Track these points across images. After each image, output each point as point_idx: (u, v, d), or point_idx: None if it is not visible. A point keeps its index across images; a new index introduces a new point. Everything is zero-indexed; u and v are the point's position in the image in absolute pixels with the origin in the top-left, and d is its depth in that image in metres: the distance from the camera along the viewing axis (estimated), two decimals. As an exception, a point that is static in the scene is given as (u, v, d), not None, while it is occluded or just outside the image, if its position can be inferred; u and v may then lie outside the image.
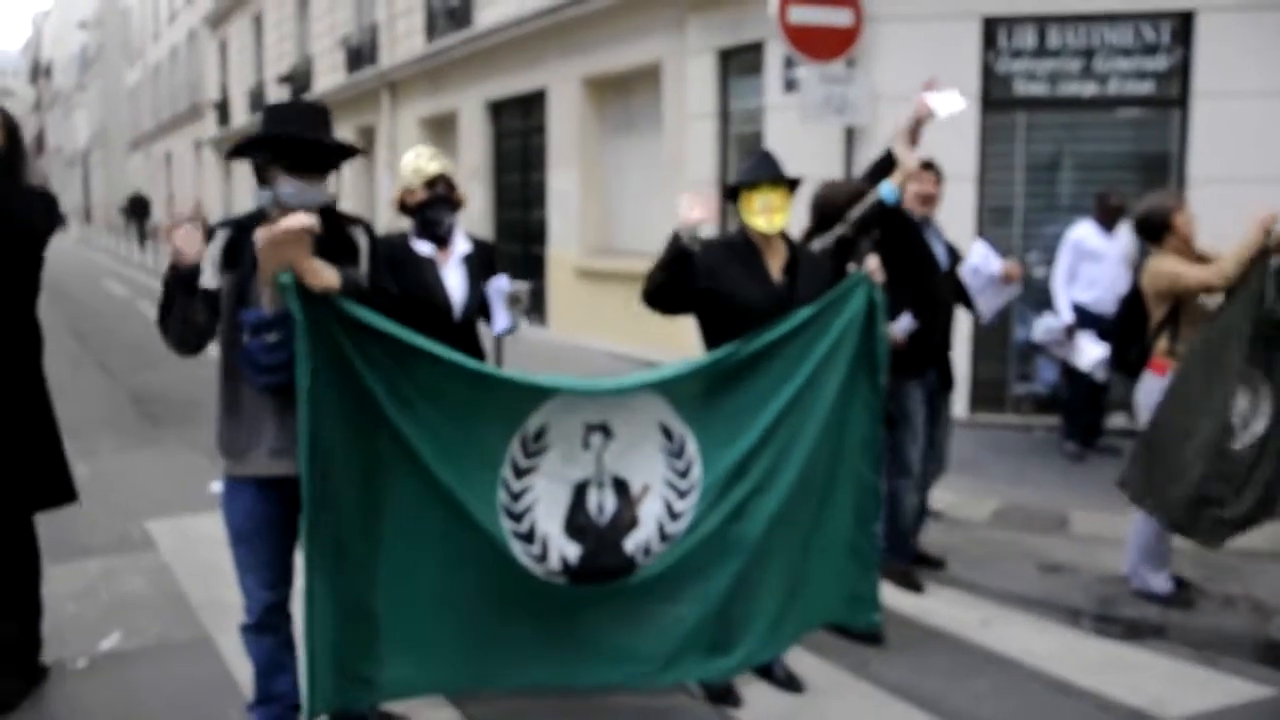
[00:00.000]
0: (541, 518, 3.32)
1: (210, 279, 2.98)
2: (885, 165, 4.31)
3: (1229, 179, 7.52)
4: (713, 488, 3.51)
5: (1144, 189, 8.05)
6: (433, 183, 4.01)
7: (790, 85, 8.75)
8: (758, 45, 9.27)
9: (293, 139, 3.00)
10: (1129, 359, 4.84)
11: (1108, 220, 7.13)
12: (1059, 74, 8.09)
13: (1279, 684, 4.01)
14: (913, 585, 4.80)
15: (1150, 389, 4.70)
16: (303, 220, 2.79)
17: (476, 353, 4.03)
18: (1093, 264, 7.10)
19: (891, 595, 4.67)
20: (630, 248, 12.27)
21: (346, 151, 3.17)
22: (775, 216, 3.74)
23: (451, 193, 4.05)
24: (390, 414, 3.04)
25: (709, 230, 3.62)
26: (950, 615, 4.54)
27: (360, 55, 19.19)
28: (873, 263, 3.73)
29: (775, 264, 3.80)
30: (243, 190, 26.08)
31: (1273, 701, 3.89)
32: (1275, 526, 5.44)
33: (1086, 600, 4.71)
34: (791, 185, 3.81)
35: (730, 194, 3.85)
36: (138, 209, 33.37)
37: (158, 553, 5.24)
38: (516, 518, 3.29)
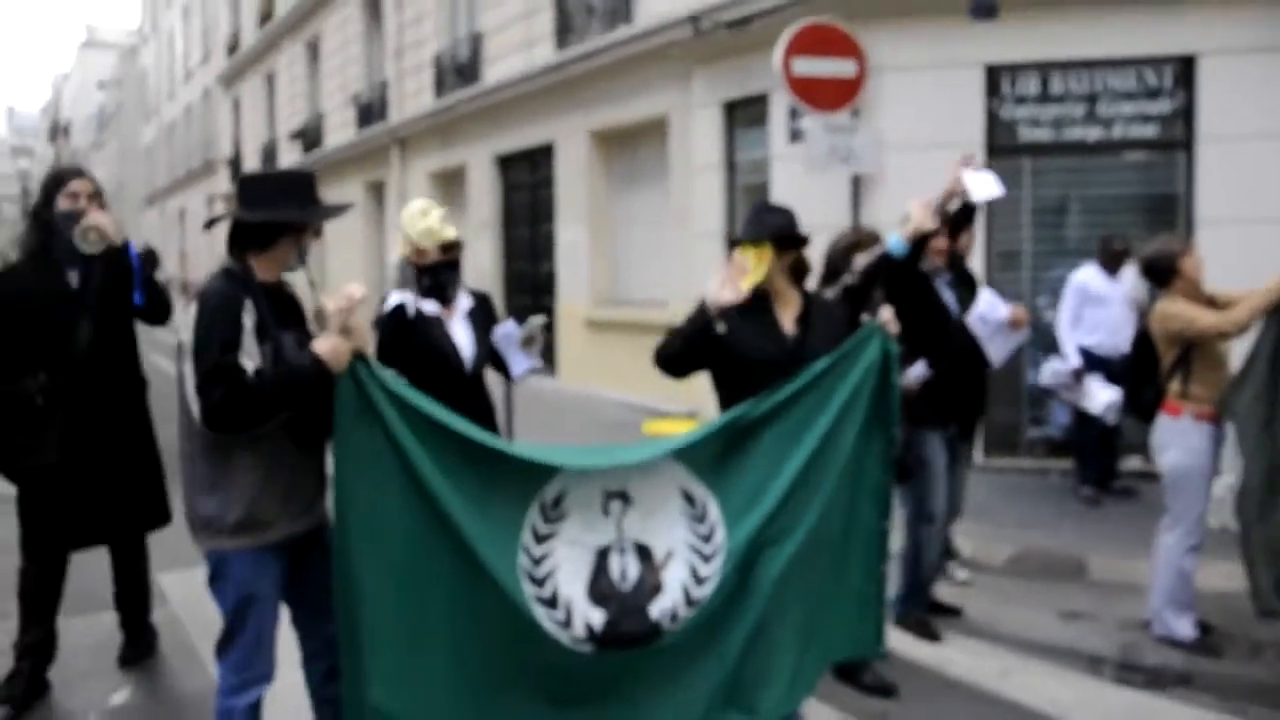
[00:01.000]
0: (564, 583, 3.32)
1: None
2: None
3: (1236, 220, 7.54)
4: (738, 549, 3.46)
5: (1151, 232, 8.07)
6: (448, 248, 4.10)
7: (795, 135, 8.81)
8: (763, 97, 9.36)
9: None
10: (1143, 402, 4.81)
11: (1111, 264, 7.14)
12: (1063, 119, 8.14)
13: (1305, 734, 3.95)
14: (930, 635, 4.74)
15: (1163, 430, 4.70)
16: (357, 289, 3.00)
17: (486, 404, 4.09)
18: (1097, 308, 7.09)
19: (909, 645, 4.62)
20: (638, 298, 12.32)
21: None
22: (753, 274, 3.63)
23: (459, 253, 4.15)
24: (421, 478, 3.16)
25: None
26: (969, 665, 4.47)
27: (370, 111, 19.44)
28: (886, 314, 3.70)
29: (788, 315, 3.75)
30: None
31: (1300, 751, 3.82)
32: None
33: (1108, 648, 4.64)
34: (778, 241, 3.70)
35: (732, 247, 3.81)
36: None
37: (169, 605, 5.21)
38: (539, 583, 3.30)
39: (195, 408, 2.87)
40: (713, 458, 3.53)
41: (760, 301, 3.74)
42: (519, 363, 4.11)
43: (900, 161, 8.08)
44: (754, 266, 3.66)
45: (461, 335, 4.05)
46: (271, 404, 2.88)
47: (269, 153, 26.07)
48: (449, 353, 3.97)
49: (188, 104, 37.20)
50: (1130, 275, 7.01)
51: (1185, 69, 7.89)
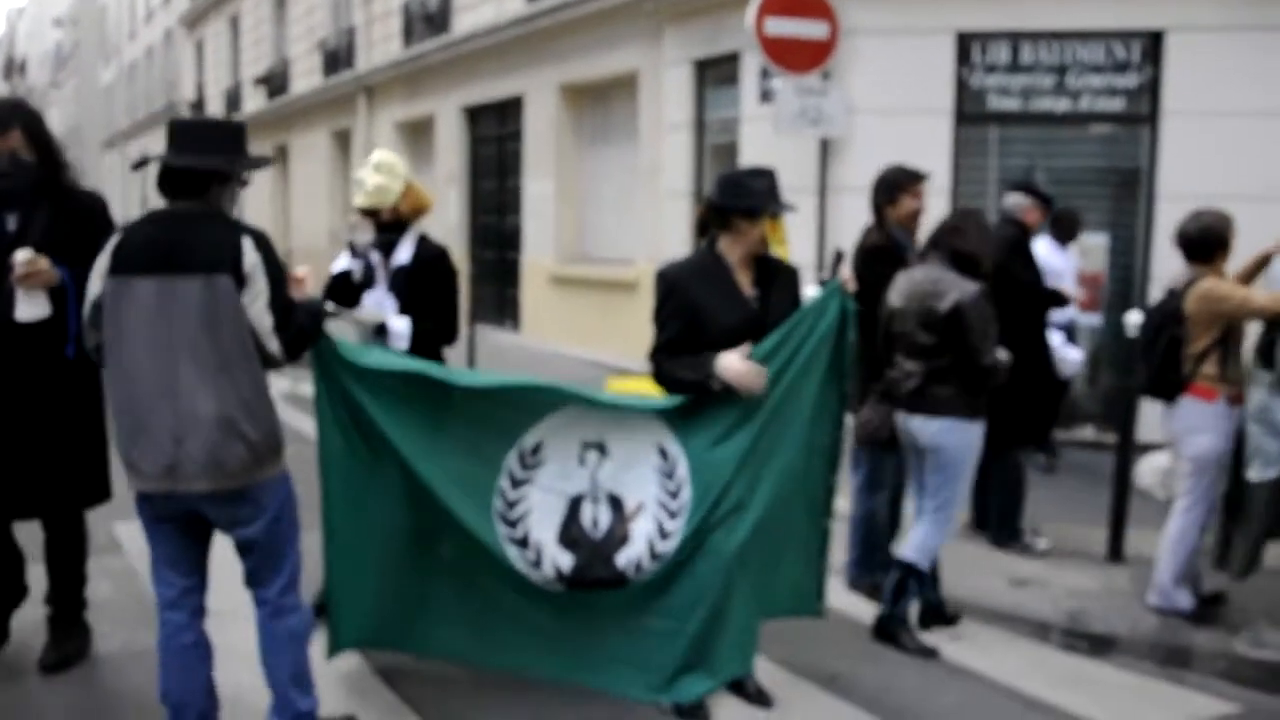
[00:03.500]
0: (535, 526, 3.59)
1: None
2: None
3: (1197, 196, 7.47)
4: (699, 509, 3.59)
5: (1114, 204, 8.18)
6: (360, 214, 4.31)
7: (766, 96, 8.77)
8: (734, 56, 9.30)
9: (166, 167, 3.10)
10: (1168, 383, 4.61)
11: (1063, 235, 7.20)
12: (1032, 89, 8.16)
13: (1243, 700, 4.06)
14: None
15: (1194, 414, 4.56)
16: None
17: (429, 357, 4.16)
18: (1051, 279, 7.15)
19: (861, 609, 4.69)
20: (605, 255, 12.28)
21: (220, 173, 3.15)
22: (789, 245, 3.78)
23: (370, 218, 4.30)
24: (387, 439, 3.48)
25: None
26: (935, 633, 4.53)
27: (337, 58, 19.11)
28: (845, 272, 3.76)
29: (746, 279, 3.79)
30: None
31: (1238, 718, 3.93)
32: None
33: (1055, 615, 4.72)
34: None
35: (739, 212, 3.73)
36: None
37: (125, 556, 5.17)
38: (511, 524, 3.58)
39: (273, 344, 3.09)
40: (688, 417, 3.65)
41: (719, 267, 3.76)
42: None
43: (869, 125, 8.08)
44: (776, 238, 3.73)
45: (369, 303, 4.22)
46: (317, 334, 3.28)
47: (232, 98, 25.59)
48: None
49: (149, 45, 36.32)
50: (1076, 246, 7.12)
51: (1153, 44, 7.93)
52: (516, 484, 3.60)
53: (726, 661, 3.65)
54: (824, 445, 3.80)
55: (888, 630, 4.39)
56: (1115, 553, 5.40)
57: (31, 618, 4.14)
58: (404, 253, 4.28)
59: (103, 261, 3.02)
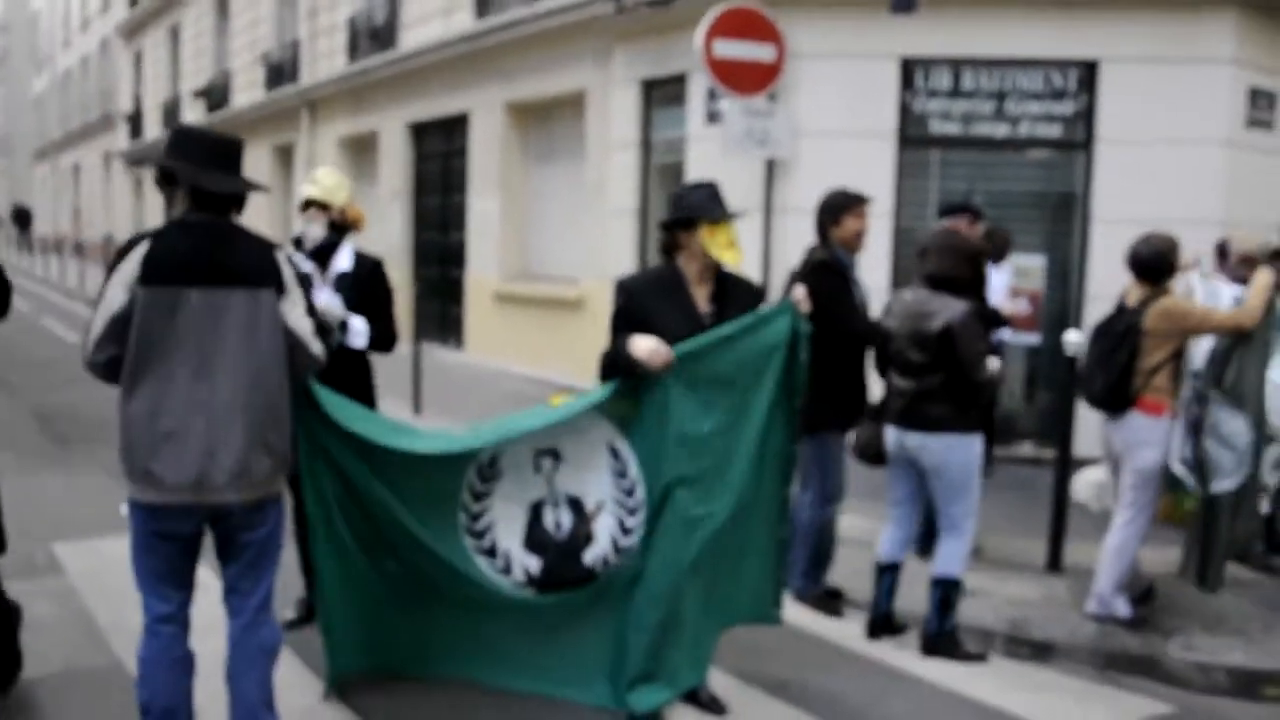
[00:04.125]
0: (501, 536, 3.73)
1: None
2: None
3: (1130, 220, 7.76)
4: (655, 507, 3.67)
5: (1051, 227, 8.42)
6: (302, 206, 4.36)
7: (713, 117, 8.90)
8: (681, 77, 9.42)
9: (218, 192, 3.11)
10: (1119, 396, 4.73)
11: (994, 254, 7.40)
12: (972, 115, 8.38)
13: (1177, 701, 4.22)
14: (833, 611, 4.90)
15: (1143, 428, 4.71)
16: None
17: (354, 366, 4.29)
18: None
19: (810, 620, 4.77)
20: (550, 273, 12.31)
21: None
22: (738, 251, 3.83)
23: (326, 212, 4.34)
24: (354, 474, 3.65)
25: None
26: (864, 639, 4.64)
27: (280, 72, 18.96)
28: (799, 292, 3.83)
29: (702, 294, 3.85)
30: (155, 205, 25.46)
31: (1173, 717, 4.08)
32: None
33: (997, 623, 4.84)
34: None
35: (685, 225, 3.82)
36: (20, 219, 38.44)
37: (66, 576, 5.08)
38: (478, 535, 3.72)
39: (316, 346, 3.23)
40: (633, 417, 3.71)
41: (676, 281, 3.83)
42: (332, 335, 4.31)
43: (814, 147, 8.24)
44: (737, 239, 3.80)
45: (322, 298, 4.21)
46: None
47: (171, 110, 25.22)
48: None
49: (84, 54, 35.67)
50: (1008, 265, 7.32)
51: (1088, 73, 8.19)
52: (478, 497, 3.72)
53: (682, 671, 3.71)
54: (776, 458, 3.87)
55: (939, 647, 4.51)
56: (1054, 563, 5.55)
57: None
58: (344, 259, 4.39)
59: (129, 271, 2.95)
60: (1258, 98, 8.38)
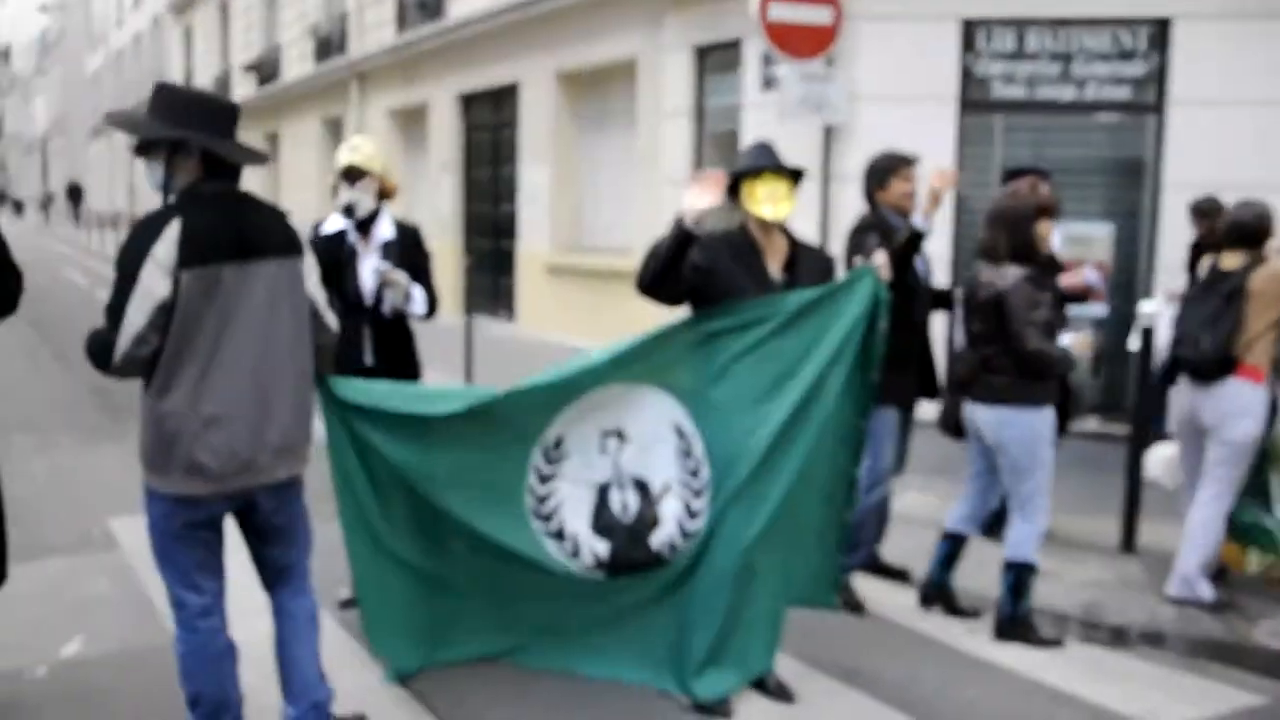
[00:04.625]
0: (569, 518, 3.63)
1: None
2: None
3: (1203, 185, 7.53)
4: (722, 487, 3.56)
5: (1119, 193, 8.11)
6: (342, 174, 4.24)
7: (768, 83, 8.68)
8: (735, 43, 9.20)
9: (230, 154, 2.94)
10: (1224, 362, 4.54)
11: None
12: (1037, 77, 8.09)
13: (1268, 691, 4.01)
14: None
15: (1242, 396, 4.54)
16: None
17: (390, 337, 4.26)
18: None
19: (880, 601, 4.63)
20: (601, 244, 12.17)
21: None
22: (780, 205, 3.68)
23: (359, 180, 4.23)
24: (399, 466, 3.52)
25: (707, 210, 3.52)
26: (939, 622, 4.49)
27: (329, 45, 18.92)
28: (880, 258, 3.67)
29: (775, 261, 3.73)
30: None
31: (1265, 709, 3.88)
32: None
33: (1070, 606, 4.66)
34: (795, 176, 3.75)
35: (731, 188, 3.74)
36: (74, 195, 40.59)
37: (121, 552, 5.07)
38: (545, 518, 3.62)
39: (331, 318, 3.14)
40: (698, 389, 3.61)
41: (748, 245, 3.70)
42: (385, 301, 4.26)
43: (872, 112, 8.00)
44: (785, 195, 3.68)
45: (368, 266, 4.21)
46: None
47: (222, 85, 25.35)
48: (347, 283, 4.17)
49: (136, 32, 35.99)
50: (1063, 232, 7.02)
51: (1160, 32, 7.85)
52: (544, 479, 3.62)
53: (752, 656, 3.59)
54: (848, 434, 3.72)
55: (1013, 632, 4.35)
56: (1128, 544, 5.35)
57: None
58: (387, 228, 4.32)
59: (167, 255, 2.74)
60: (1340, 54, 7.98)
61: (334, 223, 4.29)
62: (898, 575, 4.95)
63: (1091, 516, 5.71)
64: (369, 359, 4.22)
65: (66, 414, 8.19)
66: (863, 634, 4.32)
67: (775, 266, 3.72)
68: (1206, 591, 4.65)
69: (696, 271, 3.58)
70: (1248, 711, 3.85)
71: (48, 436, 7.46)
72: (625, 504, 3.63)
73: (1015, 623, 4.35)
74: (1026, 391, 4.23)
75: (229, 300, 2.81)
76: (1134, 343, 5.51)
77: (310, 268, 3.07)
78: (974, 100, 8.16)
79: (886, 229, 4.59)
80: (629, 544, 3.61)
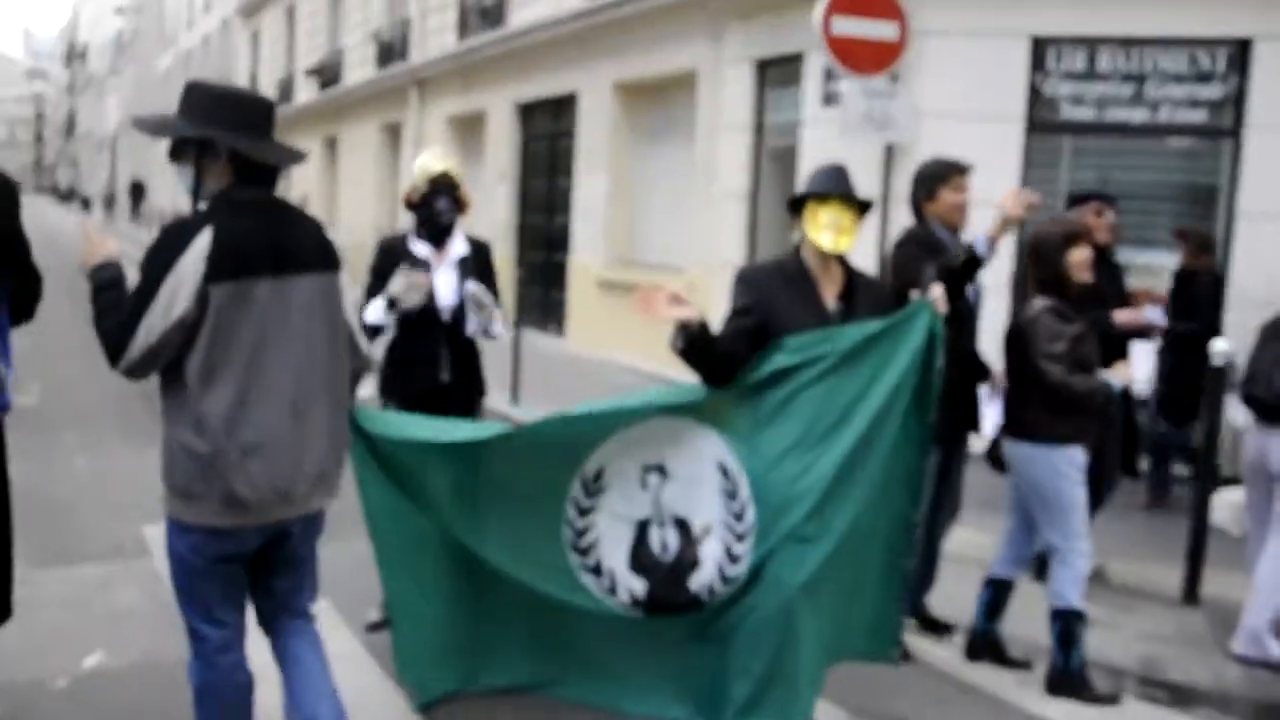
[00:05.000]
0: (607, 554, 3.50)
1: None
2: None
3: (1279, 214, 7.24)
4: (772, 531, 3.36)
5: (1191, 221, 7.80)
6: (435, 181, 4.12)
7: (829, 99, 8.49)
8: (797, 57, 9.02)
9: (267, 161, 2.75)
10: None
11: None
12: (1108, 99, 7.80)
13: (1339, 764, 3.75)
14: (939, 632, 4.51)
15: None
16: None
17: (466, 351, 4.22)
18: None
19: (926, 648, 4.43)
20: (655, 260, 12.04)
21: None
22: (843, 237, 3.47)
23: (454, 192, 4.17)
24: (434, 501, 3.41)
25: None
26: (986, 671, 4.28)
27: (391, 50, 19.06)
28: (937, 291, 3.47)
29: (830, 291, 3.53)
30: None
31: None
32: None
33: (1127, 659, 4.43)
34: (863, 207, 3.55)
35: (793, 206, 3.56)
36: (136, 193, 41.88)
37: (152, 560, 5.01)
38: (584, 552, 3.49)
39: (365, 343, 3.02)
40: (749, 430, 3.42)
41: (801, 274, 3.52)
42: (471, 322, 4.19)
43: (936, 131, 7.76)
44: (849, 227, 3.49)
45: (445, 282, 4.11)
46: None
47: (285, 88, 25.68)
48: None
49: (206, 34, 36.69)
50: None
51: (1239, 53, 7.53)
52: (583, 512, 3.49)
53: (794, 707, 3.39)
54: (906, 476, 3.52)
55: (1066, 686, 4.13)
56: (1191, 594, 5.07)
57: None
58: (461, 243, 4.24)
59: (192, 270, 2.53)
60: None
61: (421, 249, 4.21)
62: (943, 629, 4.65)
63: (1149, 562, 5.44)
64: (445, 376, 4.16)
65: (116, 415, 8.23)
66: (909, 683, 4.10)
67: (831, 296, 3.53)
68: (1277, 650, 4.38)
69: (745, 314, 3.43)
70: (1320, 786, 3.60)
71: (95, 436, 7.49)
72: (665, 542, 3.47)
73: (1068, 676, 4.12)
74: (1052, 427, 4.06)
75: (264, 317, 2.62)
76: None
77: (346, 289, 2.88)
78: (1042, 121, 7.90)
79: (934, 245, 4.33)
80: (667, 585, 3.45)
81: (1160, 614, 4.91)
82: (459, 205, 4.22)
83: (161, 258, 2.57)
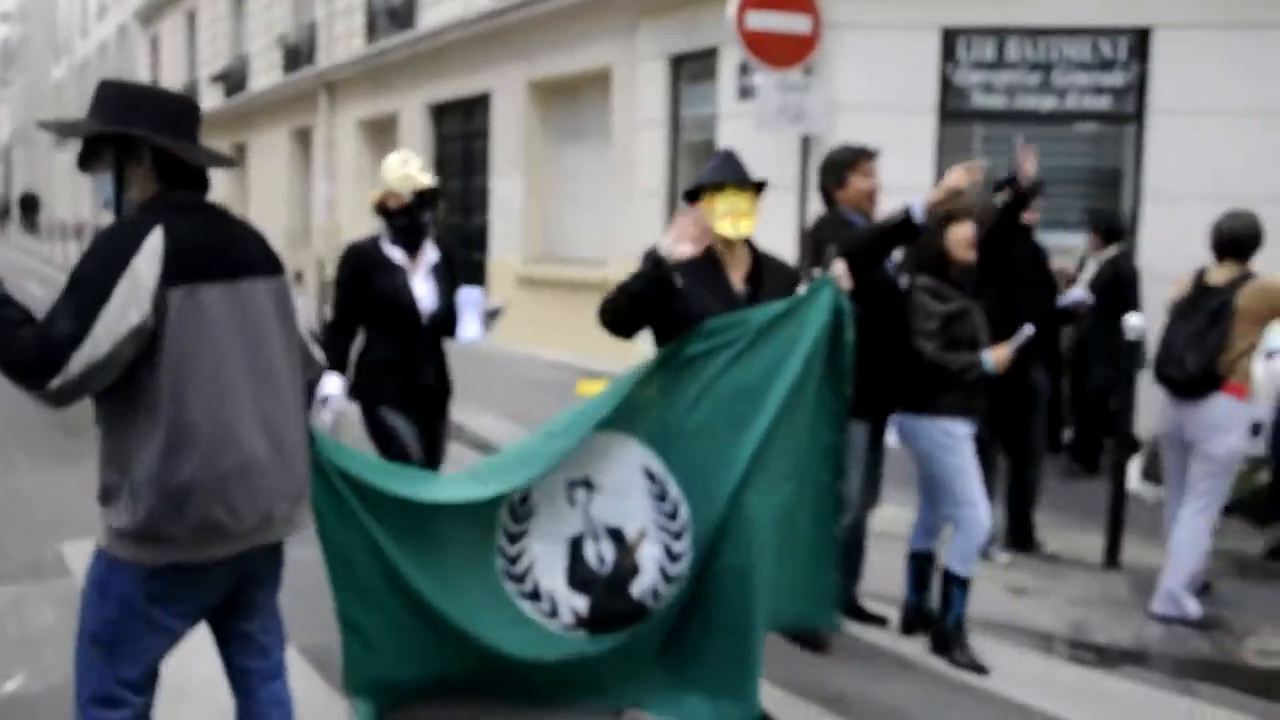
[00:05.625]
0: (543, 576, 3.43)
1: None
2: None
3: (1183, 196, 7.51)
4: (704, 525, 3.39)
5: (1098, 204, 8.06)
6: (424, 195, 4.10)
7: (745, 93, 8.58)
8: (711, 51, 9.10)
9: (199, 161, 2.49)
10: (1210, 379, 4.48)
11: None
12: (1016, 87, 8.03)
13: (1257, 711, 3.92)
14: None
15: (1227, 413, 4.48)
16: None
17: (440, 356, 4.23)
18: None
19: (862, 628, 4.50)
20: (575, 255, 12.03)
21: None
22: (742, 221, 3.54)
23: (436, 203, 4.18)
24: (380, 533, 3.22)
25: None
26: (919, 646, 4.35)
27: (298, 55, 18.71)
28: (840, 268, 3.53)
29: (737, 274, 3.60)
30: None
31: (1256, 731, 3.78)
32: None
33: (1057, 624, 4.55)
34: (758, 188, 3.62)
35: (690, 197, 3.63)
36: (27, 205, 41.14)
37: (72, 579, 4.84)
38: (519, 579, 3.42)
39: (320, 351, 2.81)
40: (667, 429, 3.43)
41: (709, 258, 3.56)
42: (470, 328, 4.14)
43: (851, 122, 7.87)
44: (747, 211, 3.54)
45: (422, 288, 4.10)
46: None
47: (189, 93, 25.01)
48: (406, 305, 4.04)
49: (102, 41, 35.57)
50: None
51: (1140, 41, 7.81)
52: (514, 539, 3.43)
53: (747, 685, 3.41)
54: (826, 449, 3.59)
55: (941, 644, 4.27)
56: (1112, 559, 5.25)
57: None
58: (433, 250, 4.23)
59: (148, 271, 2.23)
60: (1319, 66, 7.97)
61: (397, 255, 4.12)
62: (875, 620, 4.60)
63: (1068, 530, 5.61)
64: (430, 379, 4.16)
65: (22, 433, 7.92)
66: (844, 659, 4.17)
67: (738, 279, 3.59)
68: (1193, 608, 4.55)
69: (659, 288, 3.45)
70: (1240, 733, 3.76)
71: (1, 456, 7.21)
72: (601, 555, 3.45)
73: (943, 635, 4.26)
74: (931, 401, 4.18)
75: (224, 326, 2.34)
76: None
77: (296, 293, 2.66)
78: (953, 110, 8.10)
79: (847, 230, 4.29)
80: (609, 596, 3.43)
81: (1085, 579, 5.06)
82: (436, 216, 4.24)
83: (105, 261, 2.23)
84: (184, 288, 2.26)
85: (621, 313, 3.42)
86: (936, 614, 4.32)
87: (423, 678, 3.45)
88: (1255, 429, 5.29)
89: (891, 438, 4.51)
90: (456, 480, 3.53)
